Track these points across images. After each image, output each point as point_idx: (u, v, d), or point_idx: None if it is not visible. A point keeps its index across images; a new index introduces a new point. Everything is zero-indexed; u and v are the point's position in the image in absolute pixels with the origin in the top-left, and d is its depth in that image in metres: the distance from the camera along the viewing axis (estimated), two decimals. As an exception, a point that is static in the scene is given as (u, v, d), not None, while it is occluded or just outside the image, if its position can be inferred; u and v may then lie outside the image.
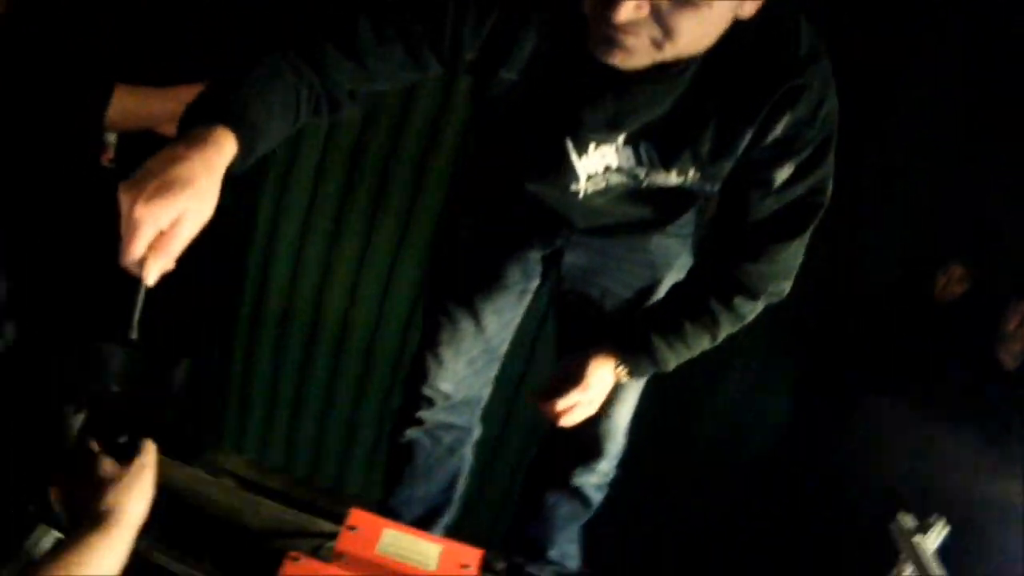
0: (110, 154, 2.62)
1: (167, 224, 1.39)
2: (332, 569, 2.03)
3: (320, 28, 1.73)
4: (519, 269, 2.52)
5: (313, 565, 2.01)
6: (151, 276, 1.42)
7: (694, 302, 2.11)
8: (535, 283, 2.59)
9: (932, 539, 1.92)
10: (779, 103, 1.78)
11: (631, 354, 2.15)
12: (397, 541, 2.10)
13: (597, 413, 2.28)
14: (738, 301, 2.05)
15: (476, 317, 2.56)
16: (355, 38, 1.70)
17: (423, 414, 2.72)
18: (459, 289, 2.57)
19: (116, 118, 2.38)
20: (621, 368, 2.17)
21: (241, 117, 1.56)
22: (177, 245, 1.43)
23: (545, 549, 2.90)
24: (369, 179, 3.52)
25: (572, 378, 2.15)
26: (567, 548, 2.96)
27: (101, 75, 2.37)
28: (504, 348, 2.74)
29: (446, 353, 2.61)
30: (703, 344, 2.12)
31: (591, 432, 2.56)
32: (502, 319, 2.61)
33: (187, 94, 2.08)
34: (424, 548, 2.12)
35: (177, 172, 1.41)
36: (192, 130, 1.52)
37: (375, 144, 3.45)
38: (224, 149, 1.52)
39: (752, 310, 2.08)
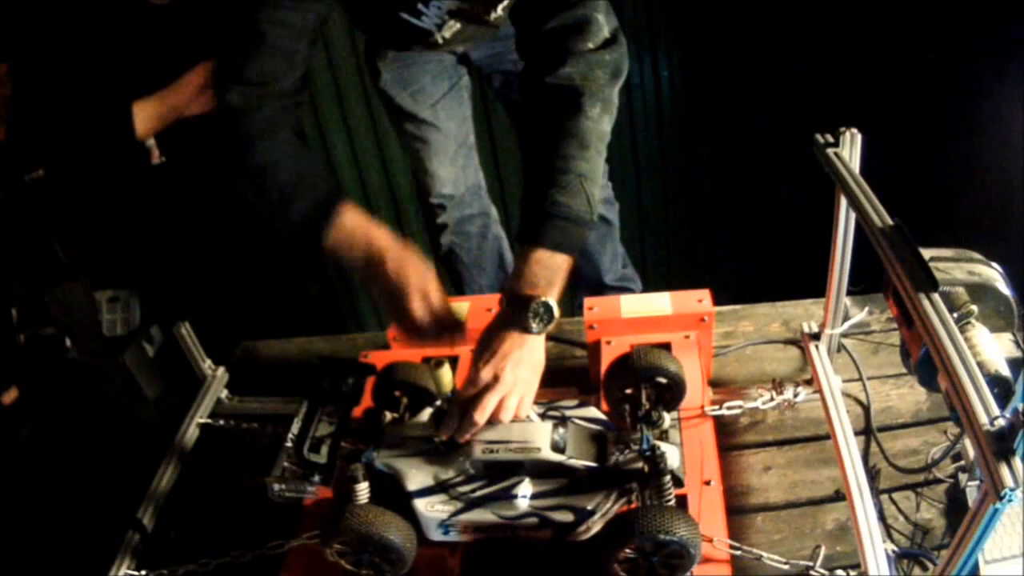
0: (156, 154, 3.02)
1: None
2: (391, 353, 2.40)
3: None
4: (443, 73, 2.82)
5: (377, 354, 2.39)
6: None
7: (545, 140, 1.81)
8: (464, 79, 2.89)
9: (847, 148, 1.88)
10: None
11: (539, 234, 1.75)
12: None
13: None
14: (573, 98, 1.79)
15: (435, 124, 2.87)
16: None
17: (442, 219, 3.07)
18: (410, 113, 2.86)
19: (143, 128, 2.86)
20: (542, 272, 1.76)
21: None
22: None
23: (601, 279, 3.23)
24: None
25: (473, 381, 1.78)
26: (620, 271, 3.30)
27: (115, 103, 2.84)
28: (472, 138, 3.04)
29: (430, 163, 2.93)
30: (595, 159, 1.80)
31: None
32: (454, 115, 2.91)
33: (191, 79, 2.57)
34: (457, 307, 2.36)
35: None
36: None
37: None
38: None
39: (594, 92, 1.80)
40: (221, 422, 2.48)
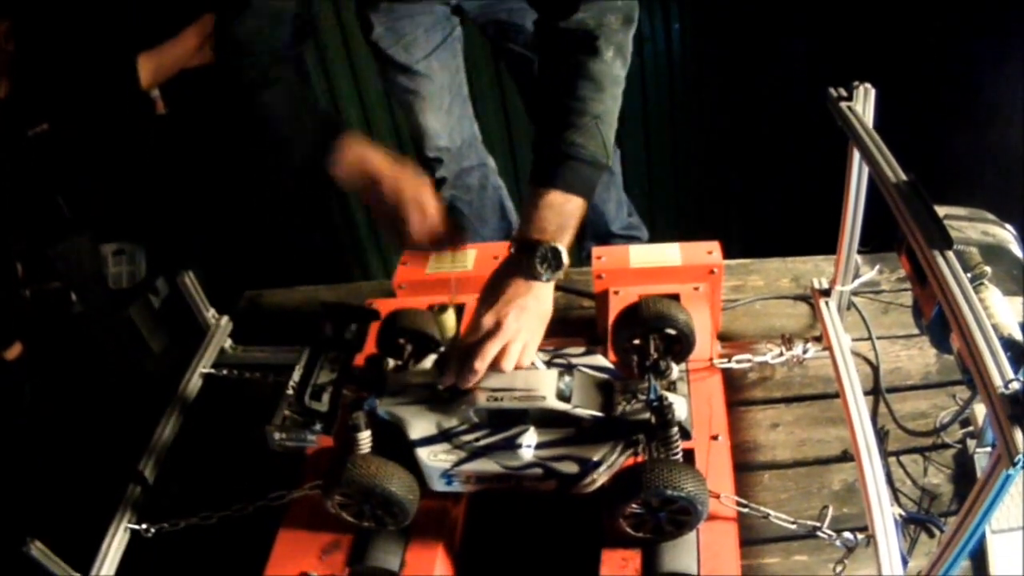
0: (160, 105, 3.02)
1: None
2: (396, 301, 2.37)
3: None
4: (435, 24, 2.80)
5: (383, 302, 2.37)
6: None
7: (560, 82, 1.77)
8: (457, 29, 2.86)
9: (861, 103, 1.81)
10: None
11: (553, 175, 1.72)
12: (441, 259, 2.39)
13: None
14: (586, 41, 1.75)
15: (428, 75, 2.85)
16: None
17: (440, 173, 3.05)
18: (403, 65, 2.84)
19: (148, 79, 2.86)
20: (554, 215, 1.71)
21: None
22: None
23: (608, 227, 3.23)
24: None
25: (476, 328, 1.72)
26: (627, 220, 3.29)
27: (121, 55, 2.83)
28: (465, 89, 3.02)
29: (424, 116, 2.91)
30: (610, 102, 1.77)
31: None
32: (448, 66, 2.89)
33: (192, 33, 2.55)
34: (463, 256, 2.41)
35: None
36: None
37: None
38: None
39: (607, 38, 1.75)
40: (224, 372, 2.46)
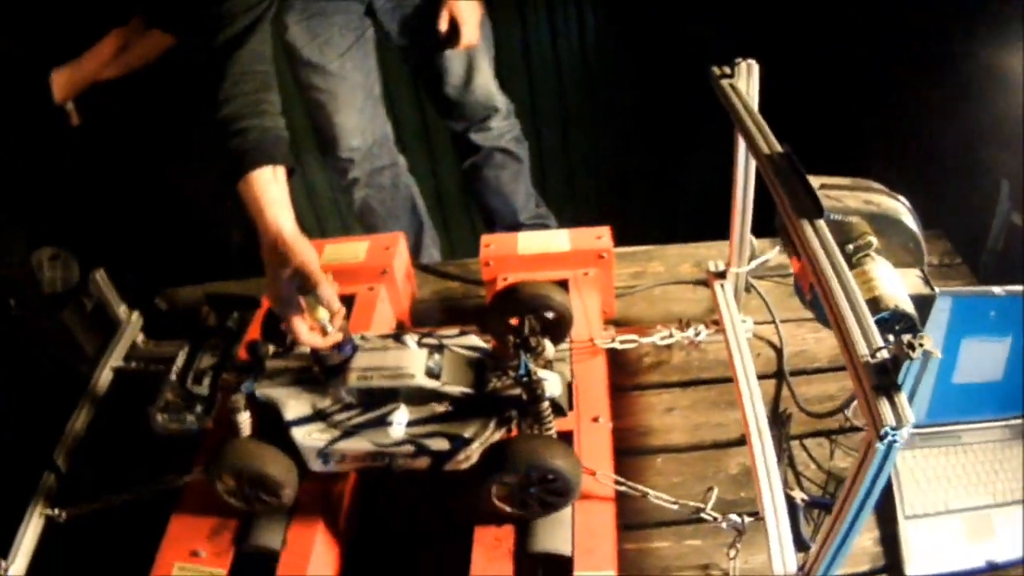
0: (75, 117, 2.94)
1: None
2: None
3: None
4: (349, 24, 2.75)
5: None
6: None
7: None
8: (370, 30, 2.82)
9: (743, 80, 1.77)
10: None
11: None
12: (335, 250, 2.37)
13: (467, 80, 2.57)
14: None
15: (342, 75, 2.80)
16: None
17: (353, 173, 3.00)
18: (317, 65, 2.78)
19: (61, 93, 2.79)
20: None
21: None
22: None
23: (516, 218, 3.17)
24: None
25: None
26: (535, 210, 3.24)
27: (34, 71, 2.77)
28: (378, 89, 2.96)
29: (338, 116, 2.85)
30: None
31: (471, 99, 2.80)
32: (361, 66, 2.84)
33: (105, 47, 2.48)
34: (354, 248, 2.38)
35: None
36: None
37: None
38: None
39: None
40: (133, 365, 2.42)
